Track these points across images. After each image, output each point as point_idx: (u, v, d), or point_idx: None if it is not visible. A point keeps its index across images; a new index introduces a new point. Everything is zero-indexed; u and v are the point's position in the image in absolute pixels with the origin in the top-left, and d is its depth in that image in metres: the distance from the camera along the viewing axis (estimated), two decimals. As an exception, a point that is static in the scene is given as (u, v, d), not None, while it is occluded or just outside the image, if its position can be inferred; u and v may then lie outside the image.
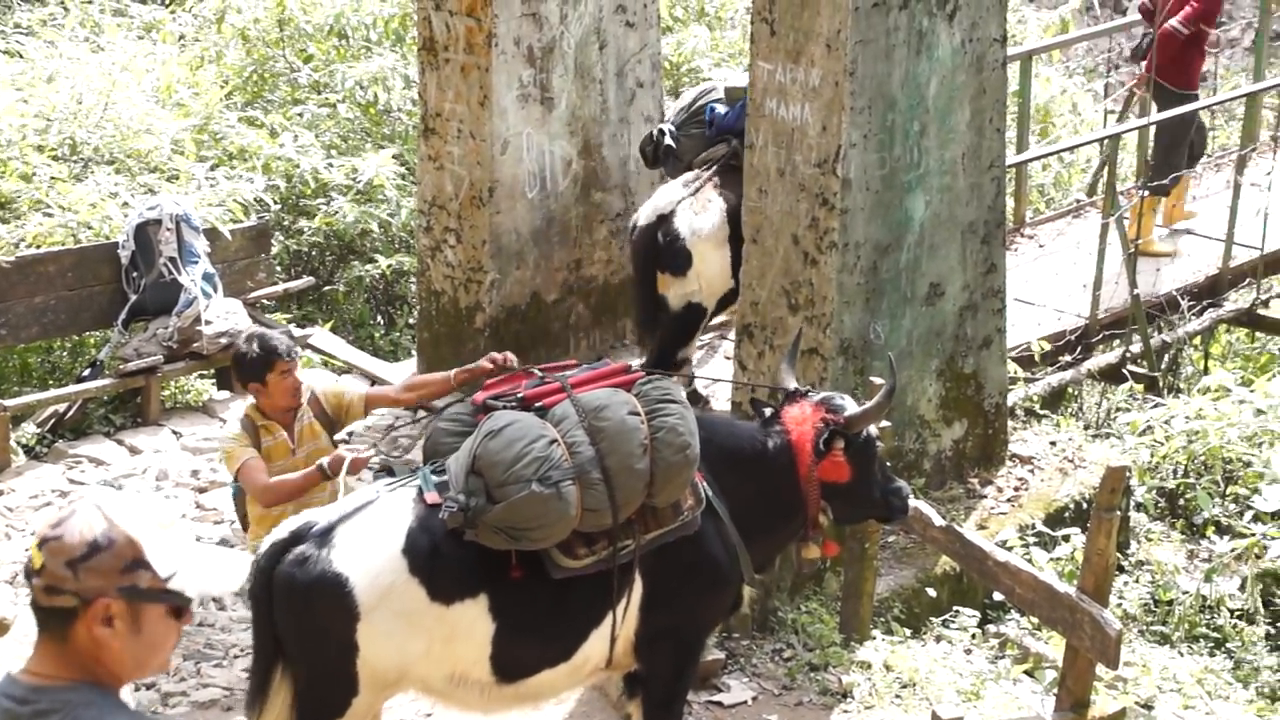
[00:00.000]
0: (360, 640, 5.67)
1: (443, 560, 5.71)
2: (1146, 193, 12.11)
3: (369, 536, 5.71)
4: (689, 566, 6.13)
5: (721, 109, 9.87)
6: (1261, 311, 12.20)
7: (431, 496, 5.77)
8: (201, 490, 9.68)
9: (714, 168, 9.72)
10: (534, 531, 5.68)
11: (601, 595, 5.96)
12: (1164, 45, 12.15)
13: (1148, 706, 7.56)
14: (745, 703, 7.57)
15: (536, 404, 5.93)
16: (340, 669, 5.72)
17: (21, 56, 13.86)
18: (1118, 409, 11.32)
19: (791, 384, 6.53)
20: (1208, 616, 8.90)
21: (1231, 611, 8.90)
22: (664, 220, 9.57)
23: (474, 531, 5.67)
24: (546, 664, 5.99)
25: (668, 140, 10.10)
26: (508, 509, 5.59)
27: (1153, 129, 12.53)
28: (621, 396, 5.93)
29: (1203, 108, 12.74)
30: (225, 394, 11.04)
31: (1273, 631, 8.81)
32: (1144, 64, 12.57)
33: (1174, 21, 12.21)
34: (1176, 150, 12.34)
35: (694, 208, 9.54)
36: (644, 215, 9.71)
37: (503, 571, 5.76)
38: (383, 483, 5.96)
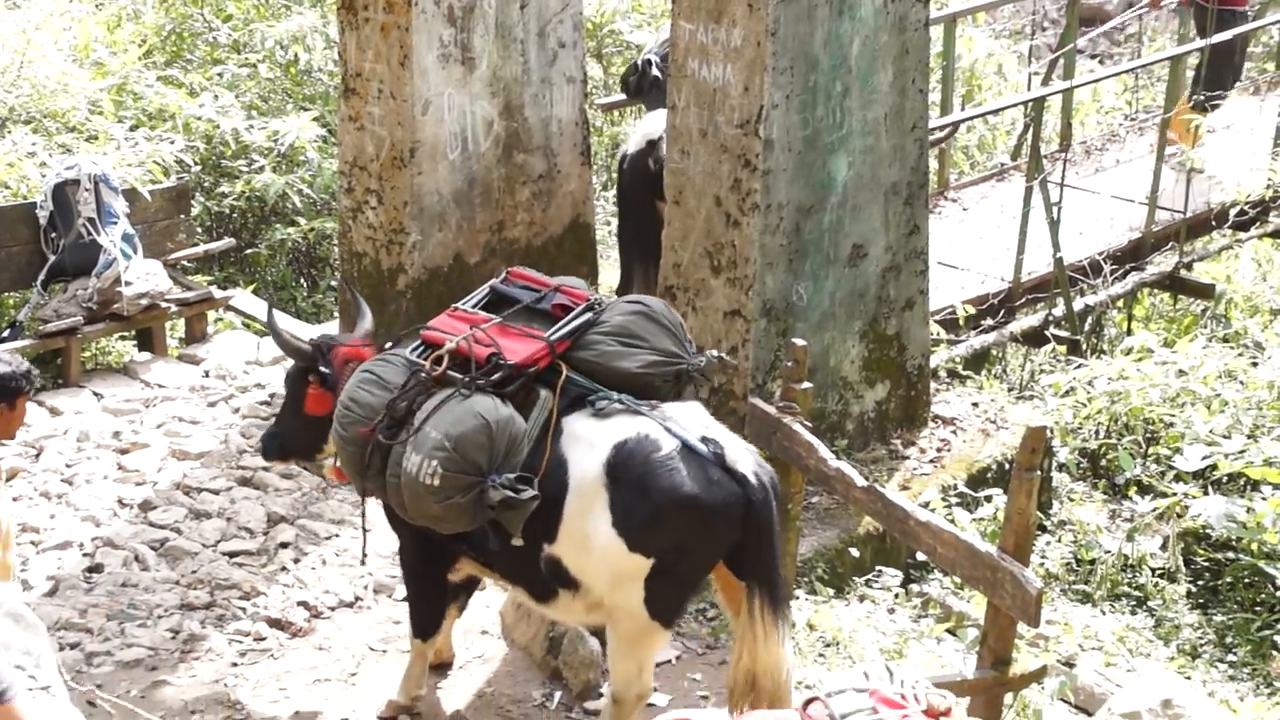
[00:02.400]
0: None
1: None
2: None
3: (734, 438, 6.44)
4: None
5: None
6: (1184, 274, 12.28)
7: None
8: (123, 452, 9.59)
9: None
10: None
11: None
12: None
13: (1069, 664, 7.61)
14: (670, 662, 7.59)
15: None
16: None
17: (-65, 16, 13.63)
18: (1040, 371, 11.39)
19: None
20: (1129, 575, 8.97)
21: (1153, 570, 8.97)
22: (654, 146, 9.54)
23: None
24: None
25: (654, 71, 10.11)
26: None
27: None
28: None
29: (1125, 71, 12.82)
30: (146, 355, 10.93)
31: (1193, 590, 8.90)
32: None
33: None
34: (1226, 66, 12.82)
35: None
36: (633, 143, 9.78)
37: None
38: (620, 424, 6.35)
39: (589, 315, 6.62)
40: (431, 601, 7.05)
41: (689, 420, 6.34)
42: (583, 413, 6.41)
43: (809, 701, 4.42)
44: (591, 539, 6.24)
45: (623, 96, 11.50)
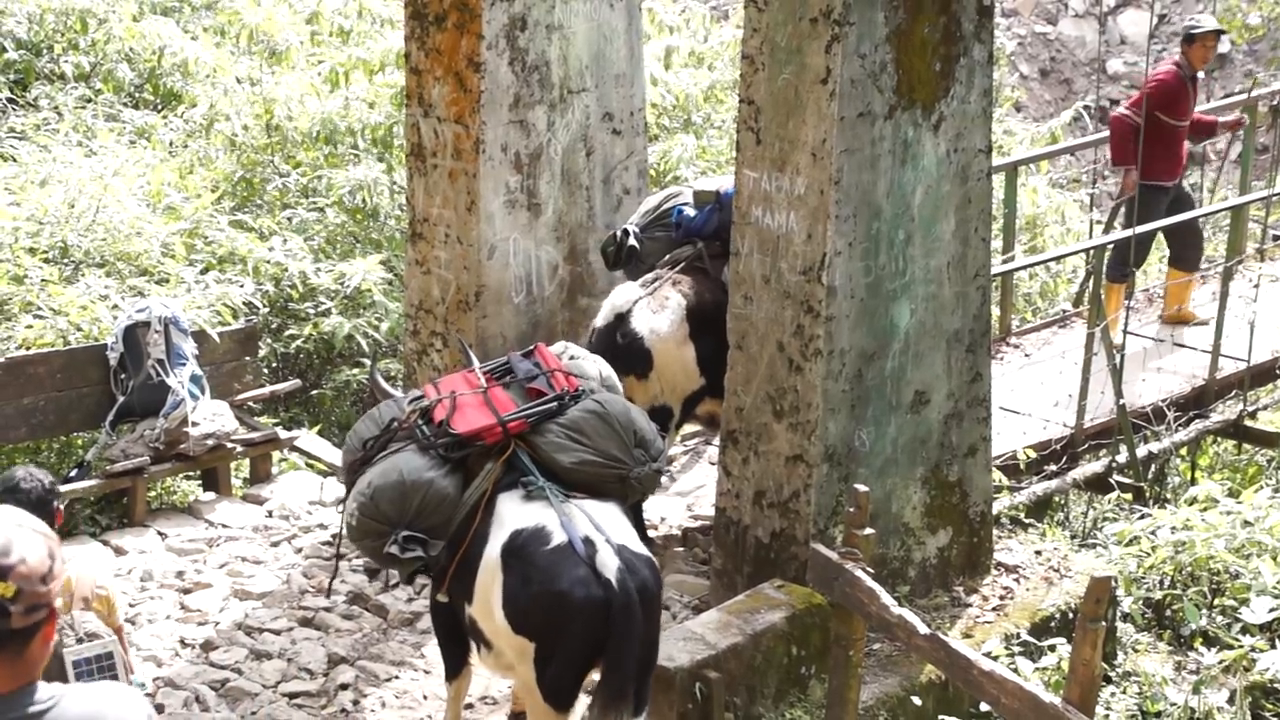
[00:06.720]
0: None
1: None
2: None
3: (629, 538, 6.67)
4: None
5: (690, 212, 9.88)
6: (1248, 423, 12.20)
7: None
8: (186, 591, 9.64)
9: (675, 267, 9.71)
10: None
11: None
12: (1114, 131, 12.55)
13: (1136, 820, 7.48)
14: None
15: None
16: None
17: (15, 160, 13.92)
18: (1104, 519, 11.30)
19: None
20: (1196, 729, 8.82)
21: (1220, 725, 8.82)
22: (621, 320, 9.49)
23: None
24: None
25: (632, 241, 10.06)
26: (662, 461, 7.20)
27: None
28: None
29: (1186, 219, 12.81)
30: (211, 495, 11.02)
31: (1262, 745, 8.74)
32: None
33: (1122, 107, 12.60)
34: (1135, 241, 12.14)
35: (651, 307, 9.46)
36: (601, 316, 9.62)
37: None
38: (532, 510, 6.68)
39: (553, 405, 7.03)
40: (447, 640, 7.42)
41: (593, 519, 6.60)
42: (515, 493, 6.81)
43: None
44: (493, 614, 6.62)
45: None
